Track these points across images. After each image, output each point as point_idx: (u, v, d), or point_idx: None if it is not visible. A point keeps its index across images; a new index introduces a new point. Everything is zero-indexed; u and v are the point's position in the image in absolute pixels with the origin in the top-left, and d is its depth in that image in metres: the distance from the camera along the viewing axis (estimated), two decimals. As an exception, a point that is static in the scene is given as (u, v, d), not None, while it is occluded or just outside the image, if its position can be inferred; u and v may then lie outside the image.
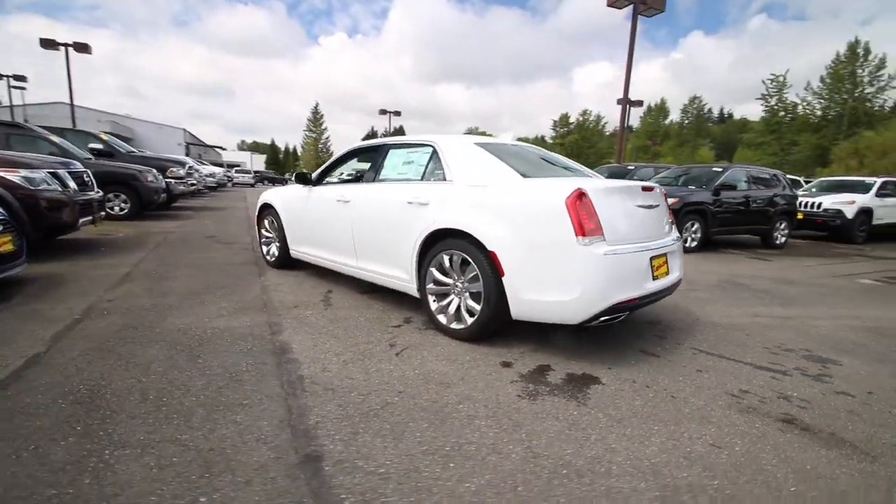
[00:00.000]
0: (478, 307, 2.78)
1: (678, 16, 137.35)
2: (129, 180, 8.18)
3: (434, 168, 3.20)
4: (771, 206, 8.05)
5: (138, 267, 4.79)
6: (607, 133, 59.92)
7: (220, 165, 34.81)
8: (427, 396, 2.15)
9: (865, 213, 9.25)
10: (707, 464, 1.71)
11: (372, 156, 3.83)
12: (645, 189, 2.85)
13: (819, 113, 35.92)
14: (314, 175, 4.29)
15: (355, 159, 4.35)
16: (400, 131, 64.41)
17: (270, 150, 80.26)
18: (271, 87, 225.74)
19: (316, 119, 62.62)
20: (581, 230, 2.39)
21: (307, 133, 62.61)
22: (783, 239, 8.41)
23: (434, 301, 3.08)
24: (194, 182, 11.64)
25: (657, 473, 1.63)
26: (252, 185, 32.92)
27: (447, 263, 2.95)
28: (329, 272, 4.67)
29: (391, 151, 3.63)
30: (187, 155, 27.86)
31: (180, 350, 2.61)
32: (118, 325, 3.01)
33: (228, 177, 28.29)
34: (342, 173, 4.83)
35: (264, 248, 5.13)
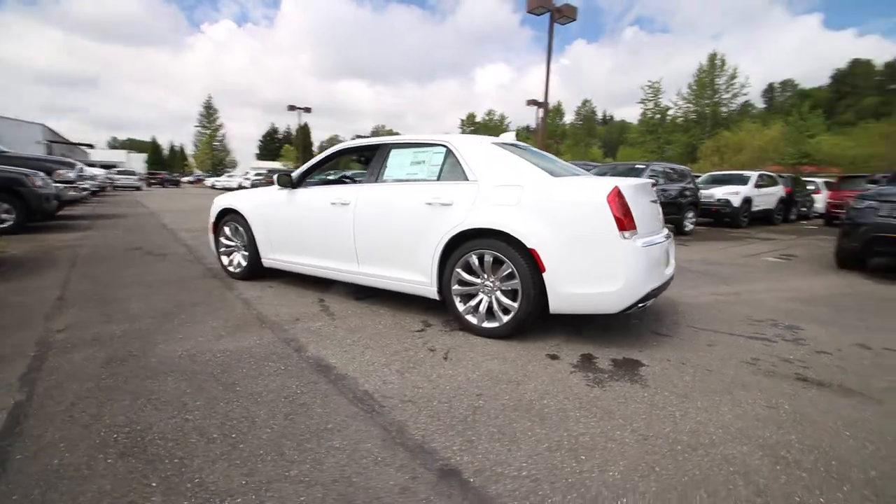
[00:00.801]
0: (514, 304, 2.83)
1: (564, 26, 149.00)
2: (14, 186, 6.80)
3: (451, 168, 3.17)
4: (682, 198, 9.21)
5: (69, 288, 4.04)
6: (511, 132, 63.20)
7: (91, 166, 30.23)
8: (507, 396, 2.16)
9: (747, 201, 11.00)
10: (776, 422, 1.96)
11: (369, 156, 3.67)
12: (652, 186, 3.13)
13: (688, 116, 41.60)
14: (294, 176, 3.99)
15: (341, 160, 4.12)
16: (305, 129, 61.50)
17: (152, 149, 71.40)
18: (148, 78, 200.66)
19: (209, 114, 56.75)
20: (622, 225, 2.56)
21: (200, 129, 56.63)
22: (690, 226, 9.67)
23: (460, 302, 3.06)
24: (86, 187, 10.00)
25: (748, 436, 1.85)
26: (138, 188, 29.03)
27: (475, 263, 2.95)
28: (305, 280, 4.38)
29: (393, 151, 3.51)
30: (49, 154, 23.70)
31: (204, 379, 2.29)
32: (99, 358, 2.55)
33: (110, 179, 24.62)
34: (327, 174, 4.54)
35: (224, 259, 4.64)
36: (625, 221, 2.58)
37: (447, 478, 1.55)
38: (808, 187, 15.18)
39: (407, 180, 3.36)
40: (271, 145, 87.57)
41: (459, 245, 3.01)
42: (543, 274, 2.70)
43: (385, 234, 3.34)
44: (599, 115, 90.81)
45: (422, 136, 3.46)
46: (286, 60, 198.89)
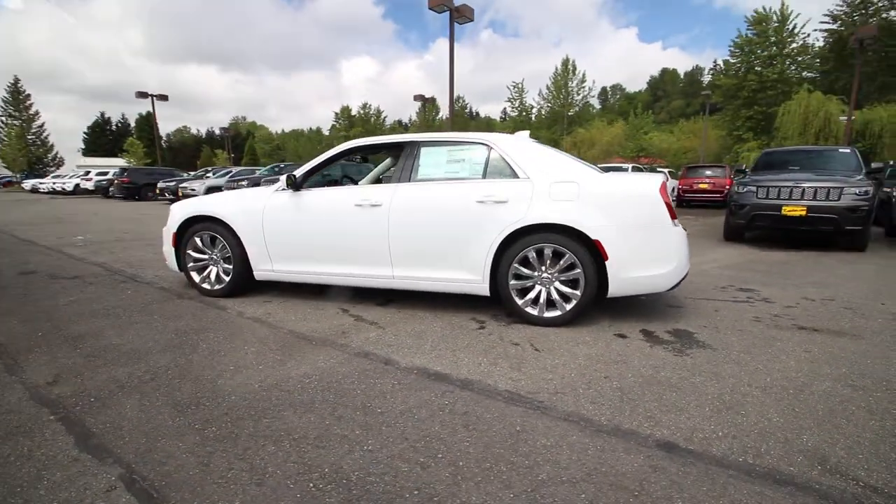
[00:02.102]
0: (576, 292, 3.05)
1: (426, 22, 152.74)
2: None
3: (497, 166, 3.23)
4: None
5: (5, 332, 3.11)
6: (387, 127, 63.19)
7: None
8: (630, 374, 2.37)
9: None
10: (823, 361, 2.52)
11: (392, 154, 3.50)
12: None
13: (542, 113, 46.32)
14: (298, 177, 3.60)
15: (345, 159, 3.84)
16: (150, 120, 53.20)
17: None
18: None
19: (17, 100, 44.43)
20: (672, 214, 2.95)
21: (5, 119, 44.21)
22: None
23: (517, 296, 3.17)
24: None
25: (820, 374, 2.35)
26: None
27: (533, 257, 3.09)
28: (302, 290, 4.02)
29: (424, 150, 3.42)
30: None
31: (329, 407, 2.06)
32: (159, 407, 2.10)
33: None
34: (327, 174, 4.15)
35: (195, 276, 3.99)
36: (672, 211, 2.97)
37: (673, 451, 1.71)
38: (661, 176, 18.31)
39: (447, 179, 3.32)
40: (102, 139, 73.57)
41: (514, 241, 3.11)
42: (606, 262, 2.96)
43: (428, 234, 3.27)
44: (466, 111, 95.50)
45: (456, 135, 3.44)
46: (111, 39, 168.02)
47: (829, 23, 27.44)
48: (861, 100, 26.85)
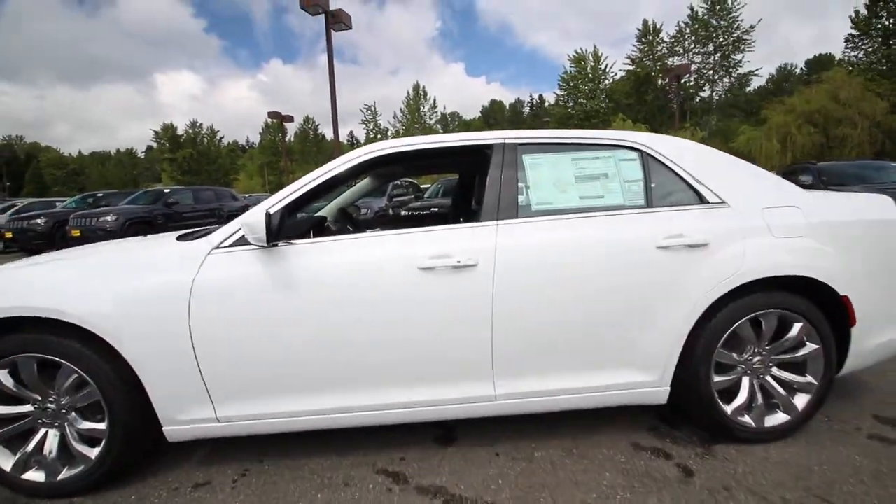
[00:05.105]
0: (807, 380, 1.90)
1: (258, 39, 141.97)
2: None
3: (666, 184, 1.91)
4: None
5: None
6: (226, 148, 56.02)
7: None
8: None
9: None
10: None
11: (442, 165, 1.95)
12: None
13: (400, 135, 46.71)
14: (272, 219, 1.69)
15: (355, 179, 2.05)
16: None
17: None
18: None
19: None
20: (917, 245, 2.03)
21: None
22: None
23: (720, 399, 1.88)
24: None
25: None
26: None
27: (747, 334, 1.85)
28: (245, 443, 2.07)
29: (530, 159, 1.90)
30: None
31: None
32: None
33: None
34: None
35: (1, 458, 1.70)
36: (916, 241, 2.05)
37: None
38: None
39: (588, 209, 1.86)
40: None
41: (715, 311, 1.82)
42: (853, 328, 1.88)
43: (574, 311, 1.76)
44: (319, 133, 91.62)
45: (574, 133, 2.01)
46: None
47: (629, 65, 33.29)
48: (657, 127, 33.19)
